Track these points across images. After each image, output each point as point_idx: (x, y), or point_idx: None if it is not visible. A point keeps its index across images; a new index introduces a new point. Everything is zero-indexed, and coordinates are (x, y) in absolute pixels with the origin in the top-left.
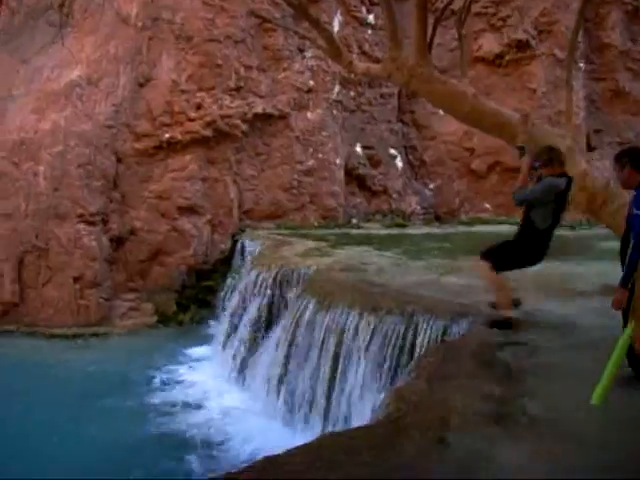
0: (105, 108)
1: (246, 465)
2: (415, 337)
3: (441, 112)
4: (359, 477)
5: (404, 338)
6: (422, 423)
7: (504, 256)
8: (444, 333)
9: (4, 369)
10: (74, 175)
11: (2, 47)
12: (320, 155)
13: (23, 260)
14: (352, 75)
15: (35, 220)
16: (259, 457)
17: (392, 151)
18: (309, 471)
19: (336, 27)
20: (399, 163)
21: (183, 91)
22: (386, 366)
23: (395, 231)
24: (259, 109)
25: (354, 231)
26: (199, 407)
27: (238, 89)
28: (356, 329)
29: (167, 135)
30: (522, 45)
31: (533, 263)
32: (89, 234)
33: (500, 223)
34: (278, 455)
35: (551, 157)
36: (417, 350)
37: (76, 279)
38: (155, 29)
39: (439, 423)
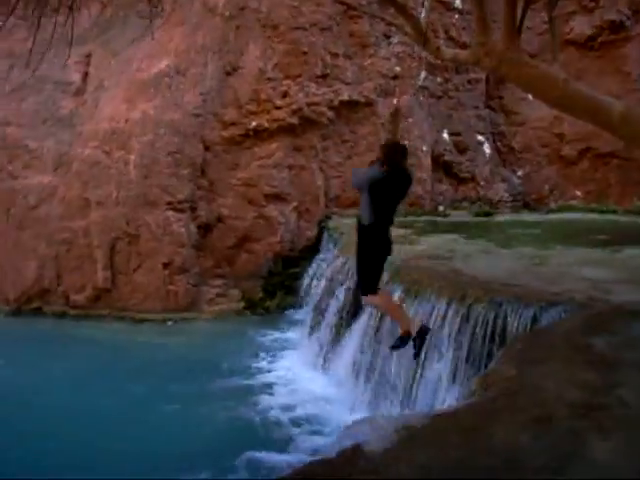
0: (193, 97)
1: (336, 452)
2: (505, 326)
3: (530, 97)
4: (448, 459)
5: (493, 327)
6: (511, 409)
7: (365, 276)
8: (534, 321)
9: (97, 351)
10: (163, 163)
11: (94, 40)
12: (406, 142)
13: (115, 246)
14: (439, 61)
15: (126, 207)
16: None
17: (479, 137)
18: (399, 452)
19: (422, 12)
20: (487, 150)
21: (269, 79)
22: (474, 355)
23: (483, 219)
24: (345, 96)
25: (440, 219)
26: (285, 393)
27: (324, 76)
28: (444, 317)
29: (254, 123)
30: (615, 26)
31: (372, 268)
32: (178, 221)
33: (591, 211)
34: (366, 441)
35: (384, 154)
36: (507, 339)
37: (165, 265)
38: (241, 18)
39: (529, 410)
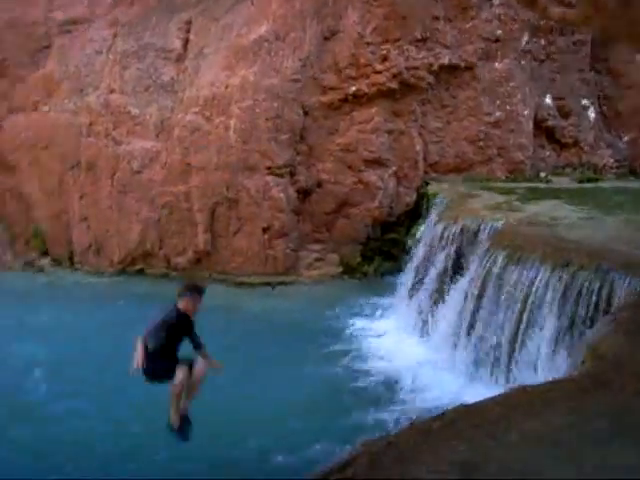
0: (292, 62)
1: (443, 411)
2: (610, 294)
3: (639, 59)
4: (557, 424)
5: (598, 295)
6: (620, 378)
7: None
8: None
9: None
10: (263, 128)
11: (195, 7)
12: (508, 107)
13: (215, 211)
14: (542, 22)
15: (226, 172)
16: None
17: (584, 101)
18: (506, 419)
19: None
20: (591, 114)
21: (368, 43)
22: (577, 323)
23: (586, 185)
24: (445, 60)
25: (542, 185)
26: (383, 358)
27: (424, 40)
28: (546, 284)
29: (353, 88)
30: None
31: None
32: (277, 186)
33: None
34: (473, 403)
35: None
36: (612, 307)
37: (265, 229)
38: None
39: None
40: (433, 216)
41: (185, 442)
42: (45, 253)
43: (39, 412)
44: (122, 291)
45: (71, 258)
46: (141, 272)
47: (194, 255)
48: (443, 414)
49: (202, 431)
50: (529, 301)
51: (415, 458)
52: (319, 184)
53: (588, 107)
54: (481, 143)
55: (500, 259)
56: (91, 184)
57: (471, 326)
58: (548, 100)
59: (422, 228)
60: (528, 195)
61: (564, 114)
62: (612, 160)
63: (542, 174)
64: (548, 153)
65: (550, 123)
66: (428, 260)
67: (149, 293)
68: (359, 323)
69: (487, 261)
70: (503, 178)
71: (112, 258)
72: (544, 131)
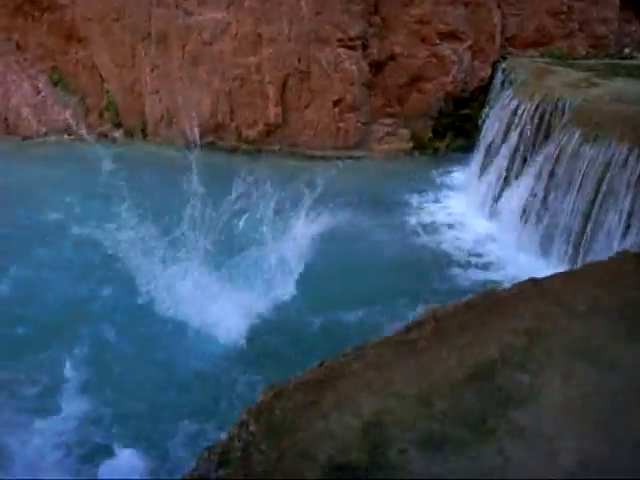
0: None
1: (511, 285)
2: None
3: None
4: (626, 298)
5: None
6: None
7: None
8: None
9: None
10: None
11: None
12: None
13: (286, 83)
14: None
15: (298, 44)
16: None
17: None
18: (574, 291)
19: None
20: None
21: None
22: None
23: None
24: None
25: (626, 62)
26: (453, 232)
27: None
28: (624, 163)
29: None
30: None
31: None
32: (349, 58)
33: None
34: (543, 277)
35: None
36: None
37: (335, 103)
38: None
39: None
40: (509, 92)
41: None
42: (118, 125)
43: None
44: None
45: (144, 130)
46: (212, 144)
47: (265, 127)
48: (512, 286)
49: None
50: (607, 180)
51: (481, 324)
52: (392, 57)
53: None
54: (562, 16)
55: (576, 137)
56: (162, 56)
57: (543, 205)
58: None
59: (497, 104)
60: (610, 71)
61: None
62: None
63: (627, 50)
64: (635, 28)
65: None
66: (501, 137)
67: (221, 166)
68: (429, 199)
69: (562, 139)
70: (584, 54)
71: (184, 130)
72: (632, 3)
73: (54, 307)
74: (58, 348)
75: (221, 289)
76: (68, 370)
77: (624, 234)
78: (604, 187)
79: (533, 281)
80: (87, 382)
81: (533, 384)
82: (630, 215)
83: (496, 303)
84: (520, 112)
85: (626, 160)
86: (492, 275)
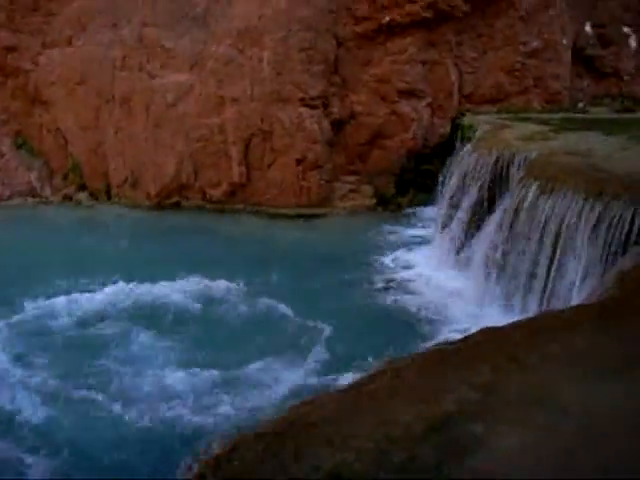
0: None
1: (463, 336)
2: None
3: None
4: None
5: (631, 224)
6: None
7: None
8: None
9: (234, 243)
10: (296, 59)
11: None
12: (545, 35)
13: (249, 143)
14: None
15: (260, 104)
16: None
17: (625, 29)
18: (528, 343)
19: None
20: (632, 43)
21: None
22: (610, 252)
23: (625, 116)
24: None
25: (579, 115)
26: (416, 287)
27: None
28: (580, 214)
29: (387, 18)
30: None
31: None
32: (311, 117)
33: None
34: (498, 327)
35: None
36: None
37: (299, 161)
38: None
39: None
40: (467, 147)
41: None
42: (83, 187)
43: None
44: (159, 223)
45: (108, 192)
46: (177, 205)
47: (229, 187)
48: (467, 337)
49: None
50: (563, 232)
51: (435, 374)
52: (353, 115)
53: (629, 35)
54: (517, 73)
55: (533, 190)
56: (126, 118)
57: (504, 257)
58: (588, 28)
59: (456, 159)
60: (564, 125)
61: (604, 43)
62: None
63: (580, 104)
64: (586, 83)
65: (589, 52)
66: (462, 191)
67: (185, 225)
68: (391, 254)
69: (520, 192)
70: (539, 109)
71: (148, 191)
72: (583, 60)
73: None
74: None
75: None
76: None
77: (582, 282)
78: (562, 237)
79: (489, 330)
80: None
81: (490, 433)
82: (587, 265)
83: (452, 354)
84: (479, 166)
85: (581, 211)
86: (454, 327)
